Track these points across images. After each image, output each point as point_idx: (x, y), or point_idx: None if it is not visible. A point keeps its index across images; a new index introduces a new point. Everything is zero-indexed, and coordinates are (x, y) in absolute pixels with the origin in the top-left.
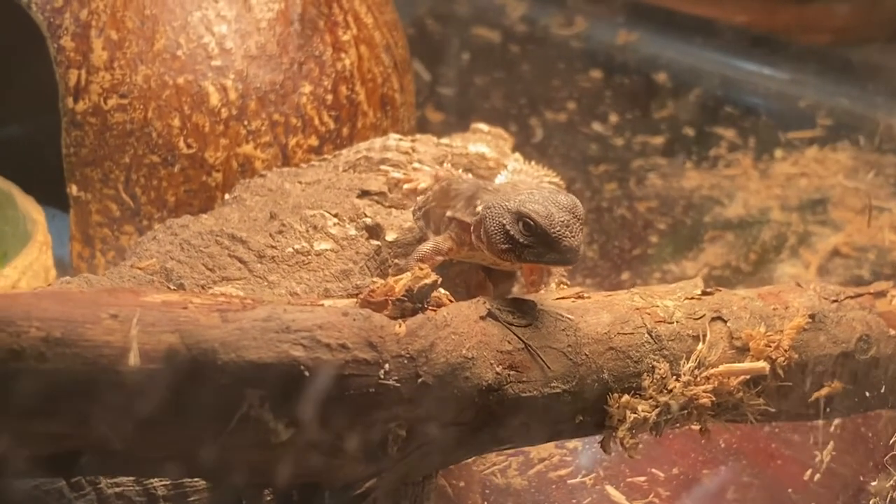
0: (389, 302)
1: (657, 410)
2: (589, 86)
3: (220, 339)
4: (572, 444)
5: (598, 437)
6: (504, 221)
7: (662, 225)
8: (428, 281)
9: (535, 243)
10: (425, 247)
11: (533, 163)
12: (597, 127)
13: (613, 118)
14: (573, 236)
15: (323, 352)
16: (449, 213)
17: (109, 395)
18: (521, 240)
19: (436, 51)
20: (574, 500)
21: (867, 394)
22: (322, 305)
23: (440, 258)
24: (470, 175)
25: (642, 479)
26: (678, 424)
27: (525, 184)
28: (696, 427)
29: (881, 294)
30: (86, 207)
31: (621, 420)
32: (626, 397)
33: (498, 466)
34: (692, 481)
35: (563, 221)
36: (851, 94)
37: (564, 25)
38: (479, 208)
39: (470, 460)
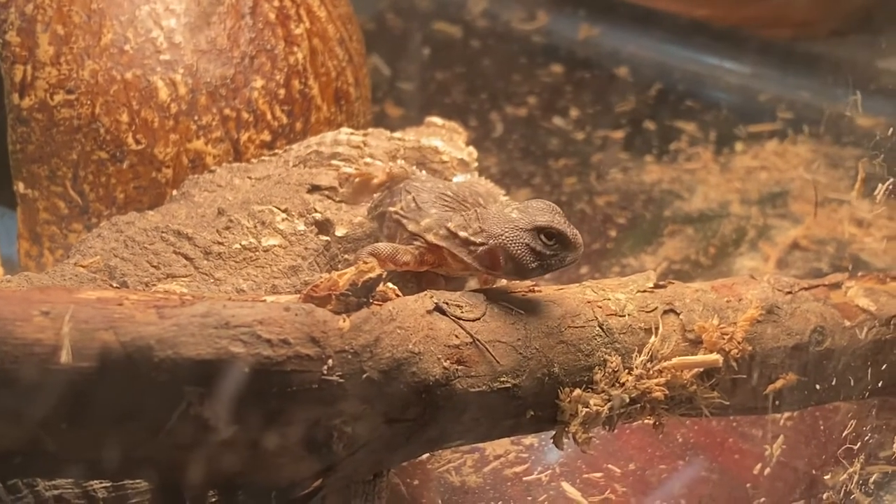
0: (333, 296)
1: (609, 404)
2: (550, 80)
3: (156, 336)
4: (528, 440)
5: (553, 433)
6: (526, 241)
7: (622, 219)
8: (373, 275)
9: (558, 250)
10: (382, 248)
11: (484, 179)
12: (557, 121)
13: (574, 112)
14: (577, 232)
15: (263, 347)
16: (412, 228)
17: (41, 395)
18: (546, 252)
19: (396, 45)
20: (530, 498)
21: (822, 385)
22: (264, 301)
23: (392, 267)
24: (424, 172)
25: (599, 474)
26: (631, 418)
27: (482, 185)
28: (649, 421)
29: (836, 286)
30: (33, 205)
31: (573, 414)
32: (577, 391)
33: (453, 464)
34: (649, 476)
35: (567, 222)
36: (811, 87)
37: (526, 20)
38: (474, 237)
39: (424, 457)
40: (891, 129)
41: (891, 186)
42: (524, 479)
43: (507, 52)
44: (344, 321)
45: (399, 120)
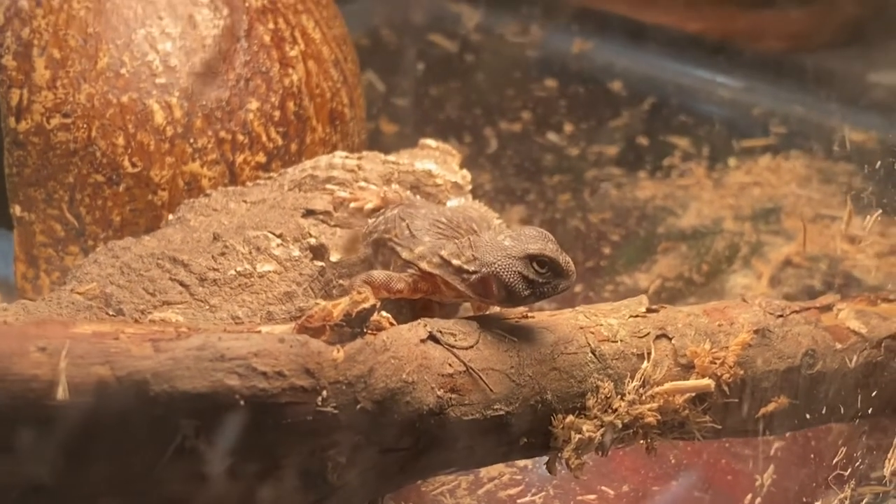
0: (327, 327)
1: (602, 430)
2: (544, 95)
3: (152, 370)
4: (522, 462)
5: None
6: (518, 269)
7: (616, 236)
8: (367, 305)
9: (550, 278)
10: (377, 276)
11: (477, 203)
12: (551, 137)
13: (568, 128)
14: (569, 259)
15: (259, 380)
16: (406, 256)
17: (38, 430)
18: (539, 280)
19: (390, 61)
20: None
21: (814, 408)
22: (259, 332)
23: (386, 294)
24: (418, 197)
25: (592, 496)
26: (624, 443)
27: (475, 210)
28: (642, 444)
29: (827, 308)
30: (30, 228)
31: (566, 441)
32: (570, 418)
33: (447, 486)
34: (643, 498)
35: (559, 249)
36: (805, 101)
37: (520, 34)
38: (467, 265)
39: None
40: (878, 163)
41: (882, 206)
42: (518, 501)
43: (501, 66)
44: (338, 352)
45: (393, 137)
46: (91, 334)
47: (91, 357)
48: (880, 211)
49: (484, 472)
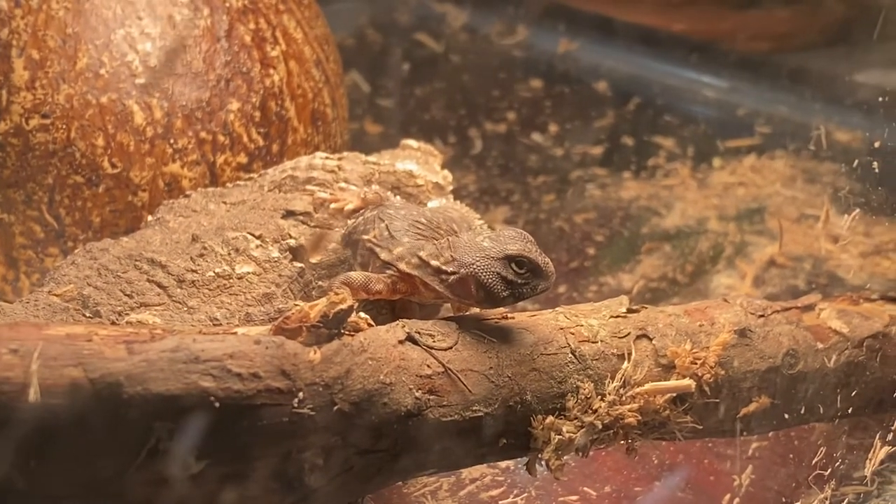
0: (304, 328)
1: (582, 431)
2: (529, 95)
3: (125, 372)
4: (504, 463)
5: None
6: (497, 270)
7: (600, 237)
8: (344, 306)
9: (529, 278)
10: (355, 277)
11: (458, 203)
12: (536, 137)
13: (553, 128)
14: (549, 260)
15: (234, 382)
16: (384, 257)
17: (10, 432)
18: (518, 280)
19: (375, 62)
20: None
21: (796, 408)
22: (235, 334)
23: (364, 296)
24: (398, 197)
25: (574, 497)
26: (605, 444)
27: (456, 210)
28: (623, 445)
29: (809, 307)
30: (9, 230)
31: (546, 442)
32: (550, 419)
33: (429, 488)
34: (625, 499)
35: (538, 250)
36: (789, 101)
37: (505, 34)
38: (446, 266)
39: (399, 482)
40: (856, 161)
41: (865, 205)
42: (500, 502)
43: (487, 66)
44: (315, 353)
45: (378, 137)
46: (64, 336)
47: (64, 359)
48: (857, 210)
49: (466, 473)
